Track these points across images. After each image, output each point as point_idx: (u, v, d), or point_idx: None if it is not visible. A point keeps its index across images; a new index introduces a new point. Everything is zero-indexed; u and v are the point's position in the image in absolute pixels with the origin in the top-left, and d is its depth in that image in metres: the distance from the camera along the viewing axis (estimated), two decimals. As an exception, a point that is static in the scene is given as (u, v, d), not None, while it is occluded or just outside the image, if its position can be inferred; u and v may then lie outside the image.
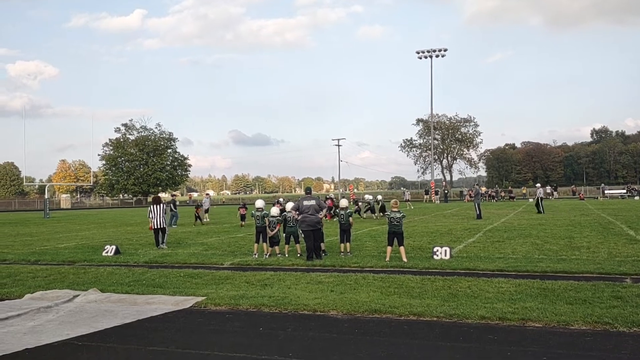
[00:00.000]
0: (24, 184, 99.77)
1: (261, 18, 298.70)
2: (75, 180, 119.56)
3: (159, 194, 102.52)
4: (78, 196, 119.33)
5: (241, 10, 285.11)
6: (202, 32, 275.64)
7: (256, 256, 13.50)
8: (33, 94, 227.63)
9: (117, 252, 14.96)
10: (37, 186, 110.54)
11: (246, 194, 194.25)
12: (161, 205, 16.35)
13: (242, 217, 28.05)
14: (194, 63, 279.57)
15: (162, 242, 16.41)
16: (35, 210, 75.01)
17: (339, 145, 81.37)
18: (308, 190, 14.20)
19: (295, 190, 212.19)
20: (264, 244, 13.63)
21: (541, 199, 30.61)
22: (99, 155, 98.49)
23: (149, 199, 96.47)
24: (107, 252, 14.97)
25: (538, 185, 35.06)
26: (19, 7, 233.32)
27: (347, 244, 13.44)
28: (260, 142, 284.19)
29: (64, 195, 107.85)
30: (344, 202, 13.93)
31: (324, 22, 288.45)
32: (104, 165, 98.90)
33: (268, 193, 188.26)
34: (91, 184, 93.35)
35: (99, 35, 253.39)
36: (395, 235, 12.14)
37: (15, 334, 6.80)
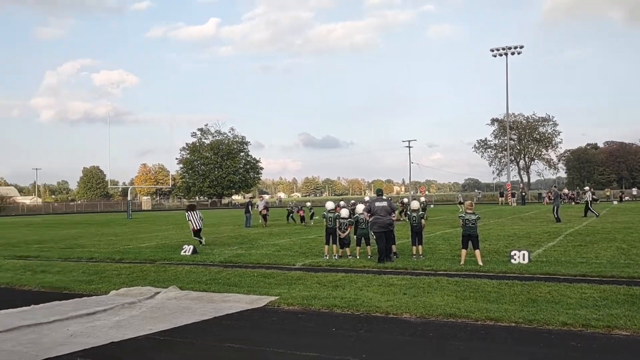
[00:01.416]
0: (109, 186, 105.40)
1: (330, 22, 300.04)
2: (155, 183, 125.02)
3: (233, 197, 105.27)
4: (158, 198, 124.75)
5: (311, 14, 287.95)
6: (273, 37, 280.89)
7: (327, 257, 13.58)
8: (116, 102, 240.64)
9: (194, 251, 15.50)
10: (120, 189, 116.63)
11: (316, 196, 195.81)
12: (197, 211, 18.54)
13: (302, 219, 29.10)
14: (266, 68, 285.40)
15: (200, 240, 18.09)
16: (118, 212, 79.08)
17: (409, 147, 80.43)
18: (379, 192, 14.11)
19: (365, 193, 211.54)
20: (335, 245, 13.69)
21: (591, 202, 29.18)
22: (176, 159, 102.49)
23: (224, 201, 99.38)
24: (185, 252, 15.55)
25: (586, 188, 33.20)
26: (103, 19, 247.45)
27: (419, 246, 13.25)
28: (330, 145, 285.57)
29: (145, 198, 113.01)
30: (415, 204, 13.75)
31: (394, 23, 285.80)
32: (181, 168, 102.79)
33: (338, 195, 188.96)
34: (169, 186, 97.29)
35: (177, 44, 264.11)
36: (470, 238, 11.85)
37: (101, 328, 7.19)
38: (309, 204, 31.99)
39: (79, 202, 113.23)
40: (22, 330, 7.01)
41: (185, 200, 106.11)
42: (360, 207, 14.43)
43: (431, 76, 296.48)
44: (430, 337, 6.31)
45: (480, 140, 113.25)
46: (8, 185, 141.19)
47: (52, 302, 9.04)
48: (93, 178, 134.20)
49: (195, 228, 18.04)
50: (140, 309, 8.39)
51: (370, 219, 13.10)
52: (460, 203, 47.29)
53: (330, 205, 14.11)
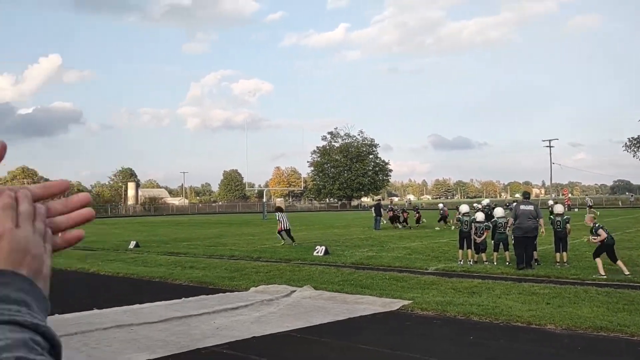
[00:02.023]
0: (246, 189, 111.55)
1: (462, 19, 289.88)
2: (287, 185, 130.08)
3: (362, 199, 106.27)
4: (290, 200, 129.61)
5: (441, 13, 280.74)
6: (401, 39, 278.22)
7: (461, 263, 13.16)
8: (252, 109, 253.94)
9: (326, 252, 15.85)
10: (256, 191, 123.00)
11: (447, 198, 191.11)
12: (284, 212, 20.82)
13: (394, 220, 29.41)
14: (393, 70, 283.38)
15: (293, 240, 19.60)
16: (255, 213, 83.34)
17: (550, 147, 75.41)
18: (526, 195, 13.34)
19: (500, 195, 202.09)
20: (469, 250, 13.22)
21: None
22: (307, 162, 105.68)
23: (353, 203, 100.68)
24: (317, 252, 15.95)
25: None
26: (242, 32, 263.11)
27: (564, 253, 12.34)
28: (461, 146, 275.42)
29: (279, 199, 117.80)
30: (559, 208, 12.85)
31: (531, 15, 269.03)
32: (312, 171, 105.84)
33: (471, 198, 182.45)
34: (301, 188, 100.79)
35: (307, 51, 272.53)
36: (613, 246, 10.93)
37: (243, 322, 7.61)
38: (441, 205, 31.60)
39: (220, 203, 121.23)
40: (174, 322, 7.64)
41: (316, 202, 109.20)
42: (499, 211, 13.78)
43: (574, 70, 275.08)
44: (579, 350, 5.85)
45: (633, 138, 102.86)
46: (160, 187, 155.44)
47: (199, 296, 9.74)
48: (232, 181, 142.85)
49: (284, 228, 19.79)
50: (278, 306, 8.74)
51: (515, 223, 12.45)
52: (589, 207, 42.97)
53: (464, 208, 13.66)
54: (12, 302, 0.53)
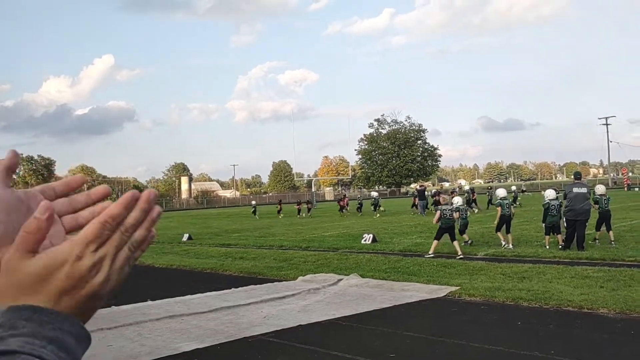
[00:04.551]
0: (295, 179, 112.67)
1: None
2: (336, 174, 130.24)
3: (411, 185, 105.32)
4: (340, 189, 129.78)
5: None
6: (448, 20, 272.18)
7: (507, 246, 13.03)
8: (299, 99, 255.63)
9: (374, 240, 15.84)
10: (305, 181, 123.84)
11: (500, 182, 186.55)
12: None
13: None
14: (441, 52, 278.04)
15: None
16: (304, 202, 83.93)
17: (607, 125, 72.37)
18: (577, 176, 12.97)
19: (555, 177, 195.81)
20: (509, 234, 13.17)
21: None
22: (355, 150, 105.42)
23: (402, 190, 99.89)
24: (365, 241, 15.97)
25: None
26: (286, 22, 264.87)
27: (610, 232, 12.21)
28: (513, 127, 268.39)
29: (328, 188, 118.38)
30: (601, 188, 12.52)
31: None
32: (360, 159, 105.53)
33: (525, 181, 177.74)
34: (350, 177, 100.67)
35: (352, 38, 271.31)
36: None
37: (290, 311, 7.74)
38: (375, 194, 32.07)
39: (270, 194, 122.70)
40: (223, 311, 7.85)
41: (365, 190, 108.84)
42: (550, 193, 13.46)
43: (631, 43, 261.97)
44: (632, 335, 5.66)
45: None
46: (211, 180, 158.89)
47: (248, 286, 9.96)
48: (282, 172, 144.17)
49: None
50: (325, 295, 8.84)
51: (567, 205, 12.19)
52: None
53: (502, 192, 13.60)
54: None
